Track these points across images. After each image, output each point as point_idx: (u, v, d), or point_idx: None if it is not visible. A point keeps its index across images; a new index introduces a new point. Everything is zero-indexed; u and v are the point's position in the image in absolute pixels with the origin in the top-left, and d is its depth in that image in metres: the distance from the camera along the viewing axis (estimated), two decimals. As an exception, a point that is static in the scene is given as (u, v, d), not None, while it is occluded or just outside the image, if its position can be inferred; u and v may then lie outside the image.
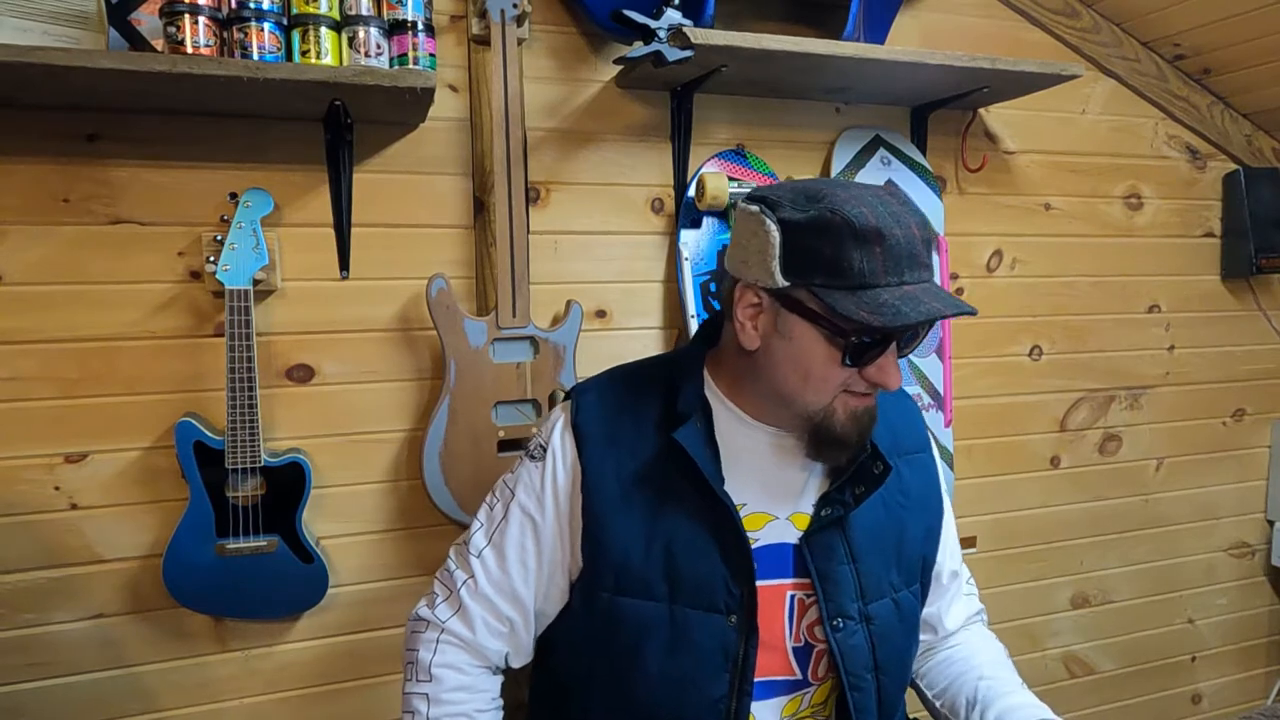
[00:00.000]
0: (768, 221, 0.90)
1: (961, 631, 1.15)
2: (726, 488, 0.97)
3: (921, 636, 1.13)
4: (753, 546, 0.98)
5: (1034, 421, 1.98)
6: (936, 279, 0.95)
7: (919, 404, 1.76)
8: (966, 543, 1.88)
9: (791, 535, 1.01)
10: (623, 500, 0.99)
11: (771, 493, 1.02)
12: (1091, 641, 2.08)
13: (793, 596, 1.01)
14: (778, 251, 0.90)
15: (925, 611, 1.13)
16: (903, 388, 1.23)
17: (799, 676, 1.02)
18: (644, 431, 1.01)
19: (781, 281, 0.90)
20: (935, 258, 0.96)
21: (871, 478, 0.99)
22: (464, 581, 1.04)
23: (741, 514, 0.98)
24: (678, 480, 0.98)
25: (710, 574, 0.97)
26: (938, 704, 1.10)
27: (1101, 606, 2.08)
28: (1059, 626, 2.04)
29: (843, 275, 0.87)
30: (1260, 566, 2.24)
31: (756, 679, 0.99)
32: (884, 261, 0.87)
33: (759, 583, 0.98)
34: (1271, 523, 2.21)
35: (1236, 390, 2.17)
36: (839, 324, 0.88)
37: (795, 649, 1.01)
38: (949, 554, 1.14)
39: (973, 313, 0.90)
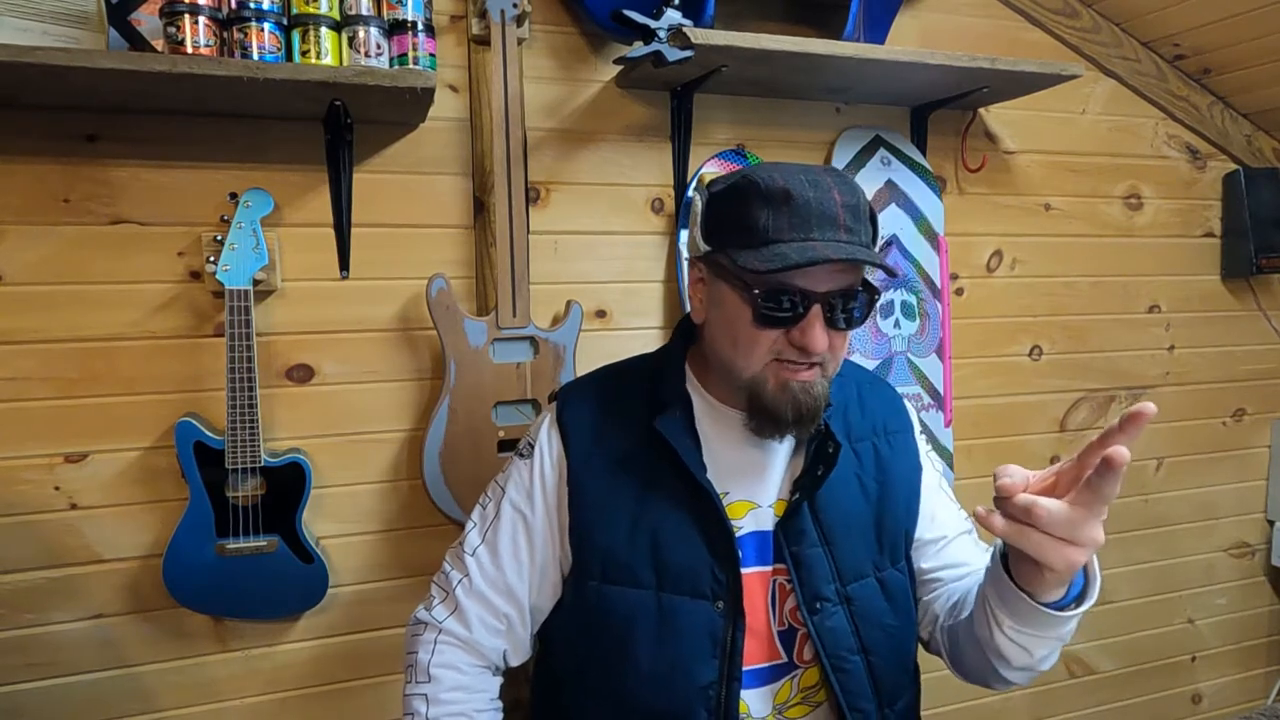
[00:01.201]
0: (697, 196, 0.97)
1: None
2: (709, 476, 0.99)
3: (961, 585, 1.08)
4: (737, 535, 1.00)
5: (1034, 421, 1.98)
6: (863, 240, 0.93)
7: (919, 403, 1.76)
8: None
9: (771, 522, 1.02)
10: (608, 491, 1.01)
11: (753, 481, 1.03)
12: (1091, 641, 2.08)
13: (774, 582, 1.02)
14: (700, 219, 0.97)
15: (958, 570, 1.09)
16: (880, 376, 1.24)
17: (784, 660, 1.02)
18: (627, 424, 1.03)
19: (704, 246, 0.97)
20: (868, 228, 0.95)
21: (826, 457, 1.00)
22: (459, 581, 1.05)
23: (725, 502, 1.00)
24: (661, 470, 1.00)
25: (695, 561, 0.98)
26: (961, 617, 1.03)
27: (1101, 606, 2.08)
28: (1059, 626, 2.04)
29: (749, 233, 0.91)
30: (1260, 566, 2.24)
31: (745, 667, 0.99)
32: (790, 219, 0.90)
33: (745, 570, 0.99)
34: (1271, 523, 2.21)
35: (1236, 390, 2.17)
36: (744, 278, 0.91)
37: (780, 633, 1.02)
38: (946, 510, 1.12)
39: (879, 264, 0.90)
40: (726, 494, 1.01)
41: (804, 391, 0.95)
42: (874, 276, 0.98)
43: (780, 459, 1.05)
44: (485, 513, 1.08)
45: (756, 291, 0.91)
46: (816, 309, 0.91)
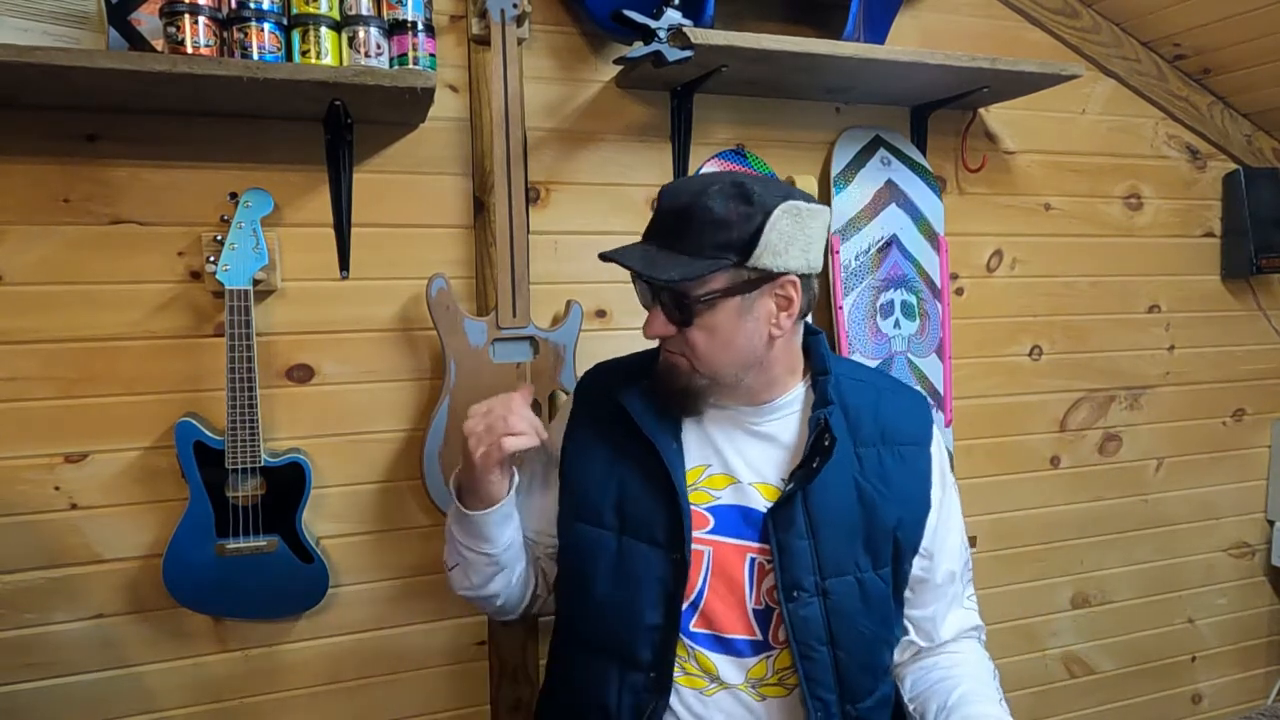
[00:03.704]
0: None
1: (953, 643, 1.16)
2: (690, 451, 1.09)
3: (914, 639, 1.15)
4: (713, 504, 1.09)
5: (1034, 421, 1.97)
6: (684, 246, 1.00)
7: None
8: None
9: (760, 503, 1.08)
10: (592, 443, 1.13)
11: (738, 459, 1.10)
12: (1091, 641, 2.08)
13: (753, 560, 1.07)
14: None
15: (918, 615, 1.14)
16: (912, 387, 1.27)
17: (760, 638, 1.07)
18: (620, 393, 1.12)
19: None
20: (703, 232, 1.00)
21: (823, 450, 1.04)
22: None
23: (704, 474, 1.10)
24: (635, 431, 1.09)
25: (653, 513, 1.07)
26: (910, 707, 1.13)
27: (1101, 606, 2.08)
28: (1059, 626, 2.04)
29: None
30: (1260, 566, 2.24)
31: (725, 634, 1.07)
32: (650, 224, 1.06)
33: (718, 538, 1.08)
34: (1271, 523, 2.21)
35: (1236, 390, 2.16)
36: None
37: (756, 611, 1.07)
38: (946, 554, 1.14)
39: (646, 276, 1.00)
40: (708, 466, 1.10)
41: (665, 369, 1.08)
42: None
43: (777, 446, 1.10)
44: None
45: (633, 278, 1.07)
46: (658, 300, 1.04)
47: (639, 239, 1.08)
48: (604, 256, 1.05)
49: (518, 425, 1.01)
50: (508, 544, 1.11)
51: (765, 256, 0.98)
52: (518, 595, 1.17)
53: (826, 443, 1.04)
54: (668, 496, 1.06)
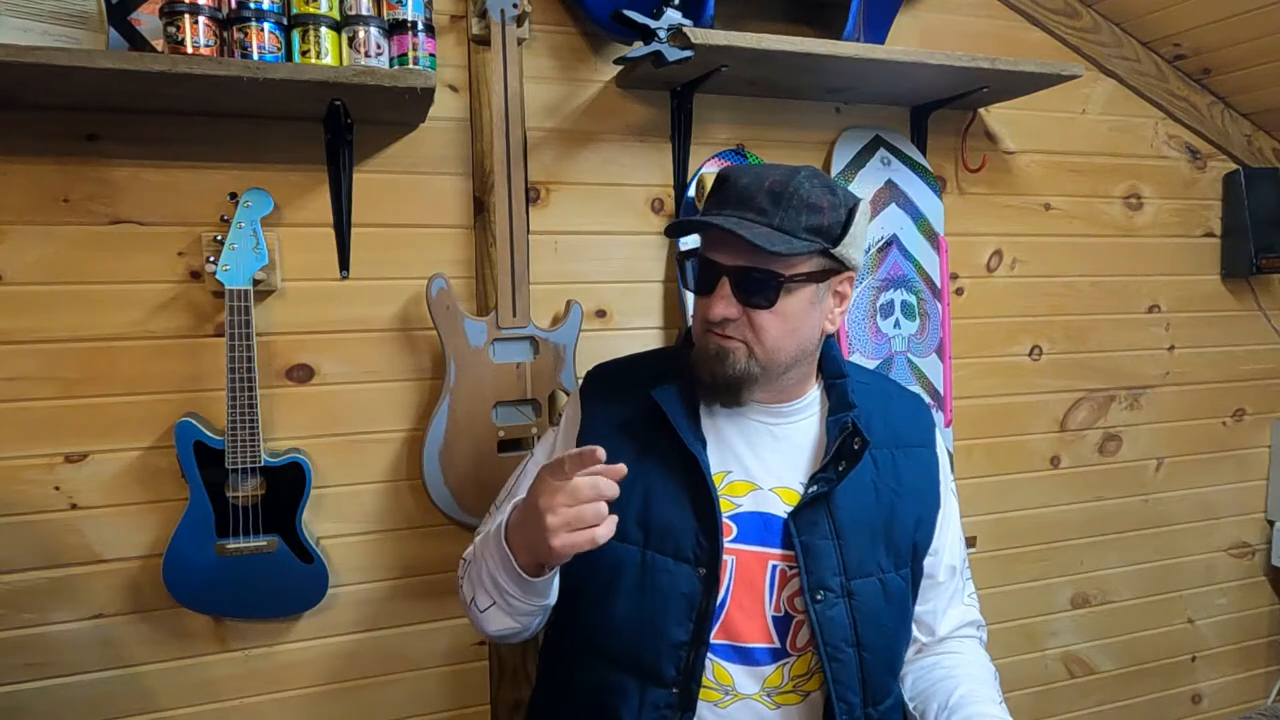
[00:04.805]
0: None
1: (953, 640, 1.16)
2: (711, 457, 1.05)
3: (915, 634, 1.16)
4: (735, 512, 1.05)
5: (1034, 421, 1.97)
6: (779, 222, 0.98)
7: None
8: (966, 543, 1.88)
9: (779, 508, 1.06)
10: (609, 449, 1.04)
11: (758, 465, 1.08)
12: (1091, 641, 2.08)
13: (775, 567, 1.05)
14: None
15: (920, 610, 1.15)
16: (912, 390, 1.26)
17: (778, 645, 1.05)
18: (636, 395, 1.09)
19: None
20: (798, 213, 0.98)
21: (852, 453, 1.04)
22: (488, 526, 1.11)
23: (726, 481, 1.06)
24: (658, 437, 1.06)
25: (681, 525, 1.03)
26: (910, 705, 1.13)
27: (1101, 606, 2.08)
28: (1059, 626, 2.04)
29: (693, 213, 1.04)
30: (1260, 566, 2.24)
31: (744, 644, 1.04)
32: (718, 198, 1.02)
33: (740, 546, 1.04)
34: (1271, 523, 2.21)
35: (1236, 390, 2.16)
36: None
37: (775, 618, 1.05)
38: (948, 550, 1.16)
39: (753, 242, 0.94)
40: (729, 472, 1.07)
41: (717, 355, 1.02)
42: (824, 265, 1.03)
43: (795, 449, 1.09)
44: (517, 471, 1.17)
45: (679, 256, 1.00)
46: (724, 281, 1.00)
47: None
48: (690, 221, 1.02)
49: (605, 512, 0.89)
50: (556, 590, 1.06)
51: (849, 248, 1.01)
52: (540, 623, 1.14)
53: (856, 446, 1.03)
54: (701, 509, 1.03)
